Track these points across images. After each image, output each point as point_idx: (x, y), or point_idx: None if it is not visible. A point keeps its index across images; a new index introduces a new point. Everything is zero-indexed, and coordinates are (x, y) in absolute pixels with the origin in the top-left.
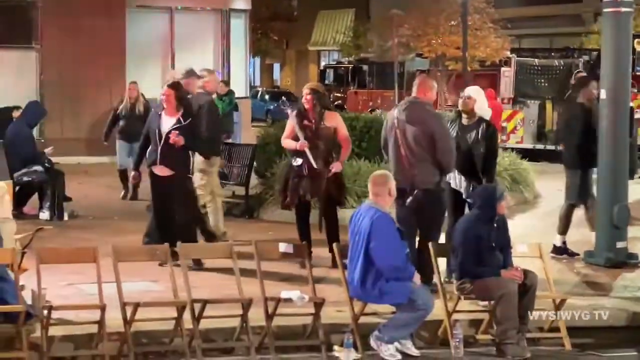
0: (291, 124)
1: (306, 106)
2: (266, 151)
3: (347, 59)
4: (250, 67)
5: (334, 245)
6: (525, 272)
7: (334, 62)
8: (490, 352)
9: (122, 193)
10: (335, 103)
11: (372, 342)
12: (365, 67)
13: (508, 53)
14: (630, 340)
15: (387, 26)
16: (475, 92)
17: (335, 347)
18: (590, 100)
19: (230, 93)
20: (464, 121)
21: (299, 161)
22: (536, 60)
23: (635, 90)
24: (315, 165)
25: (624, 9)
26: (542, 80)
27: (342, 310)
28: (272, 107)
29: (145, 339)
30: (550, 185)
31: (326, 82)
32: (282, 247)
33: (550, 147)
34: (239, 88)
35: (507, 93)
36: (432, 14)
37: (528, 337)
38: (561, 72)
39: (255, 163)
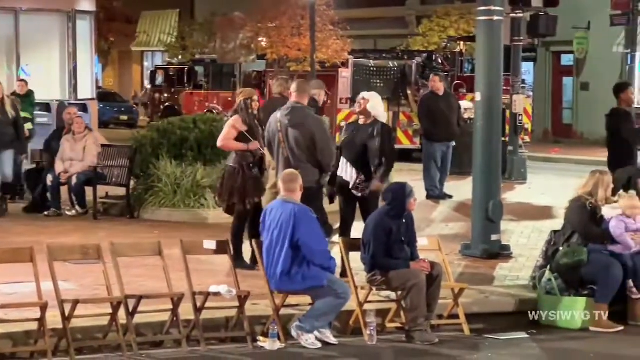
0: (236, 126)
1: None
2: (142, 153)
3: (175, 59)
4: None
5: (254, 241)
6: (432, 264)
7: (165, 63)
8: (399, 338)
9: None
10: (167, 104)
11: (294, 332)
12: (200, 68)
13: (347, 54)
14: (517, 324)
15: (227, 28)
16: (368, 95)
17: (260, 338)
18: (629, 105)
19: (30, 94)
20: (361, 121)
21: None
22: (372, 61)
23: (464, 91)
24: (272, 158)
25: (496, 18)
26: (378, 81)
27: (256, 303)
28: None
29: (79, 335)
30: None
31: (157, 83)
32: (206, 244)
33: None
34: (86, 90)
35: (345, 93)
36: (274, 15)
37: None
38: (395, 73)
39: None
